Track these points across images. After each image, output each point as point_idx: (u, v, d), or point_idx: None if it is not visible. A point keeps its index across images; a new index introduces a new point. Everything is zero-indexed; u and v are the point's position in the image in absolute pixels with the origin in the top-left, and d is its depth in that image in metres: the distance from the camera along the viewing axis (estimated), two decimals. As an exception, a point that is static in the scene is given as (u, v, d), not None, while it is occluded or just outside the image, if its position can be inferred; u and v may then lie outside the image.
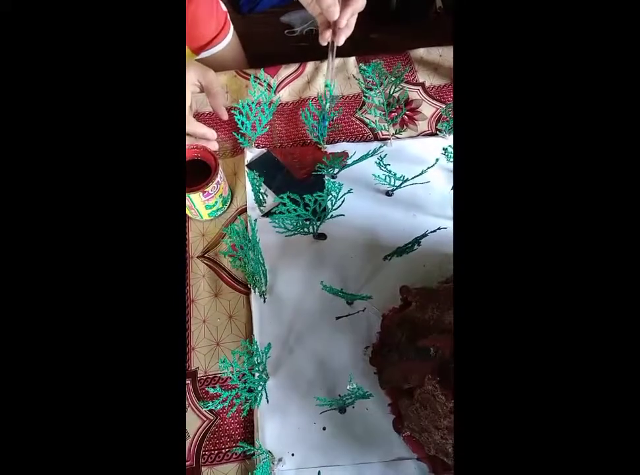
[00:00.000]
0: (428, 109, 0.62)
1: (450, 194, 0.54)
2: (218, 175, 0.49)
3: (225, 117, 0.59)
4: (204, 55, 0.77)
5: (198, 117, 0.63)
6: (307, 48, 1.23)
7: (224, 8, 0.78)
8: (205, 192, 0.48)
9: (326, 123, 0.57)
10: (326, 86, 0.56)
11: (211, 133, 0.56)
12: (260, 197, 0.51)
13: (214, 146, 0.57)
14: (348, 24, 0.50)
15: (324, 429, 0.43)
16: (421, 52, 0.67)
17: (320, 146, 0.58)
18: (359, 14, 0.51)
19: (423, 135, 0.59)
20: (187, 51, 0.74)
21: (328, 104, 0.55)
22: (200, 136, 0.56)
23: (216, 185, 0.49)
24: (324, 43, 0.53)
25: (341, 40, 0.52)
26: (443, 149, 0.52)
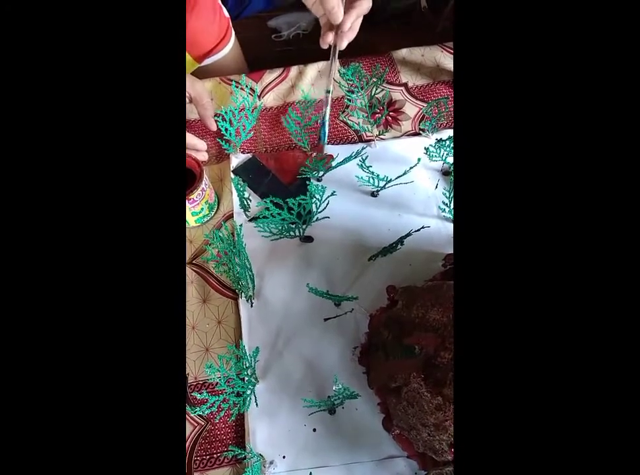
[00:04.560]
0: (411, 109, 0.62)
1: (434, 193, 0.55)
2: (203, 182, 0.49)
3: (213, 127, 0.59)
4: (207, 62, 0.74)
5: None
6: (294, 52, 1.23)
7: (227, 14, 0.74)
8: (190, 199, 0.48)
9: (326, 128, 0.57)
10: (327, 91, 0.55)
11: (201, 144, 0.56)
12: (245, 202, 0.51)
13: (203, 157, 0.57)
14: (352, 27, 0.49)
15: (314, 430, 0.44)
16: (403, 52, 0.67)
17: (305, 150, 0.59)
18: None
19: (407, 135, 0.60)
20: (189, 59, 0.71)
21: (328, 110, 0.55)
22: (191, 147, 0.56)
23: (201, 192, 0.49)
24: (325, 46, 0.50)
25: (344, 44, 0.49)
26: (425, 148, 0.52)
